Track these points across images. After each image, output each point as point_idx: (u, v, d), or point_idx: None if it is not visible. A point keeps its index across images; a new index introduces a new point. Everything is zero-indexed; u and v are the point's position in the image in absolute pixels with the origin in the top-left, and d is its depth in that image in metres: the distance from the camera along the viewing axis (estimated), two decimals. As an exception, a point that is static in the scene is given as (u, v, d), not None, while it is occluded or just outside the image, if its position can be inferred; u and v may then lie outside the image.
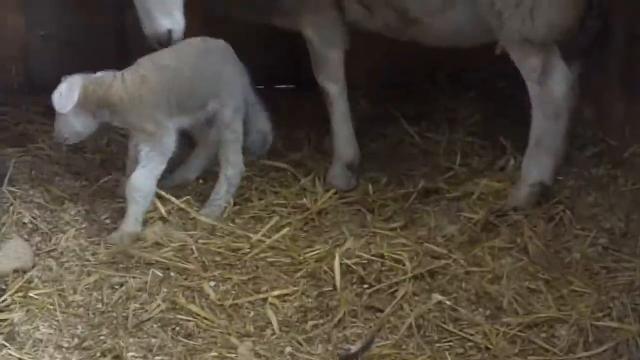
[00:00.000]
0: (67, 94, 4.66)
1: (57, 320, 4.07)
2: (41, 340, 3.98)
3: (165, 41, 4.83)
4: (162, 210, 4.92)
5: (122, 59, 5.41)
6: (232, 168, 5.12)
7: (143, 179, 4.83)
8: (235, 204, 5.21)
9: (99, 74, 4.75)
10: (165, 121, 4.85)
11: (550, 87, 5.08)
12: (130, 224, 4.75)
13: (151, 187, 4.87)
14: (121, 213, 4.82)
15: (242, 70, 5.19)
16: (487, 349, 4.27)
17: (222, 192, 5.14)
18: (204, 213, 5.07)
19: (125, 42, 5.64)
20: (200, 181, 5.40)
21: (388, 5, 5.22)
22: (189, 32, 5.17)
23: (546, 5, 4.96)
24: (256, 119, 5.35)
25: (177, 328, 4.15)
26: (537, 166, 5.17)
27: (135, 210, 4.79)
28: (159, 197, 5.00)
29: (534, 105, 5.14)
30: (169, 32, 4.80)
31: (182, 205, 5.04)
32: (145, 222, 4.92)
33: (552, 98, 5.09)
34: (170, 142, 4.91)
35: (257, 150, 5.41)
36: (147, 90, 4.81)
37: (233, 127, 5.11)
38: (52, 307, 4.13)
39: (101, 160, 5.26)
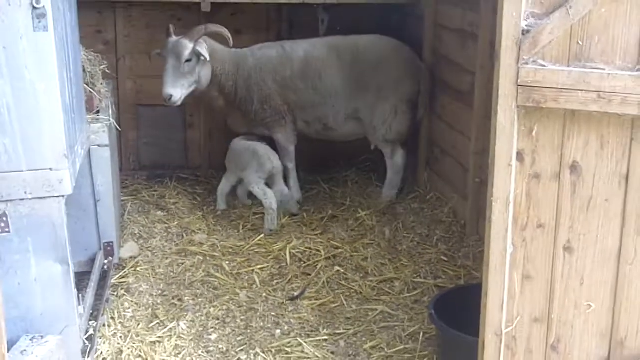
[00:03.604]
0: None
1: None
2: None
3: None
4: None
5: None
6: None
7: None
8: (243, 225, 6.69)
9: None
10: None
11: (396, 160, 7.34)
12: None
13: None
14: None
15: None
16: (360, 293, 5.69)
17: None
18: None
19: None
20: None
21: (317, 121, 7.22)
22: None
23: (394, 123, 7.16)
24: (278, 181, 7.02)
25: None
26: (389, 187, 7.21)
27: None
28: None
29: (388, 168, 7.33)
30: None
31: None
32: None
33: (397, 166, 7.32)
34: None
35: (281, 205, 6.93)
36: None
37: None
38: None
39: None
